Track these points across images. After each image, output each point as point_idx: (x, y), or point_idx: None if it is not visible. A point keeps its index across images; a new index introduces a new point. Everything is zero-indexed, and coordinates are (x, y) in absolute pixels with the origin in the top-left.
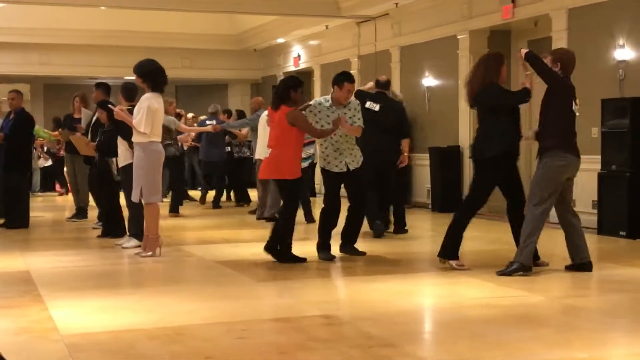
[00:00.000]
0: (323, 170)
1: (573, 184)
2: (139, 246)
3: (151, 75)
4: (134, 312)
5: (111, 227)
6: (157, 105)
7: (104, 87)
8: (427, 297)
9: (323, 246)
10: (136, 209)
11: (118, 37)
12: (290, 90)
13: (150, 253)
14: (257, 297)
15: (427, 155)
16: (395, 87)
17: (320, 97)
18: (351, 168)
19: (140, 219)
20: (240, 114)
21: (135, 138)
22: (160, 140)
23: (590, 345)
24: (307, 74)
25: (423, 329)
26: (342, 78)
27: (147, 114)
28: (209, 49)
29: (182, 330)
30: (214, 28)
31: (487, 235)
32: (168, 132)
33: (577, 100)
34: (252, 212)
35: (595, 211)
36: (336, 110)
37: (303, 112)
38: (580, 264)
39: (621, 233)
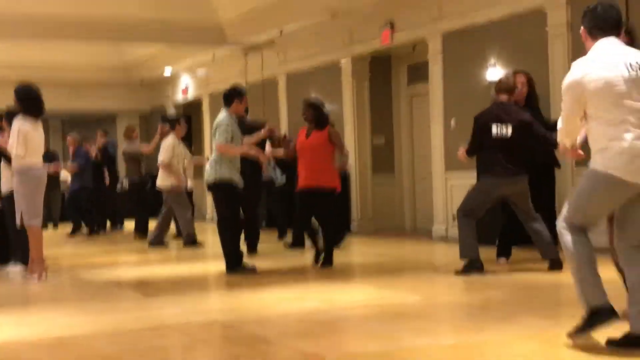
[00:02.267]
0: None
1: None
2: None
3: (23, 102)
4: (18, 326)
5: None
6: (28, 127)
7: None
8: (309, 301)
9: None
10: (20, 235)
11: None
12: None
13: (36, 276)
14: (143, 310)
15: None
16: (283, 114)
17: (222, 118)
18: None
19: (24, 244)
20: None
21: (13, 163)
22: (38, 164)
23: (458, 333)
24: (195, 104)
25: (303, 327)
26: (242, 91)
27: (19, 136)
28: (96, 81)
29: (66, 341)
30: (100, 59)
31: (373, 250)
32: (133, 160)
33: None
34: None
35: None
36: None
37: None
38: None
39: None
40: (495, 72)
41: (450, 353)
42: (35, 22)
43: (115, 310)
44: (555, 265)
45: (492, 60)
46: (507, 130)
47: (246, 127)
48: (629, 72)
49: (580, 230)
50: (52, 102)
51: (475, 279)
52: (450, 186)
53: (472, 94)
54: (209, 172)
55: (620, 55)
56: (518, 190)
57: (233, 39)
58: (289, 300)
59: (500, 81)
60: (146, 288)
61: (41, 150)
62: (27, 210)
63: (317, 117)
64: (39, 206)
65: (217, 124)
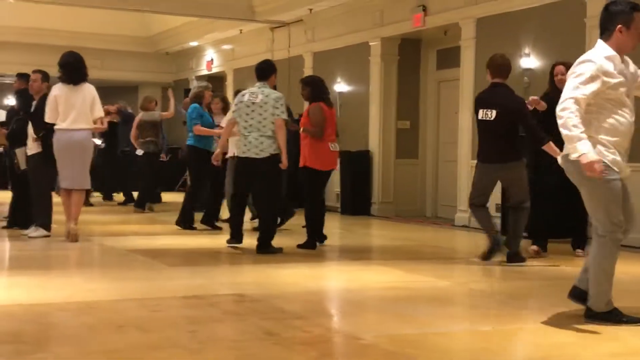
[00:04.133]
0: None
1: (510, 183)
2: (47, 236)
3: (60, 68)
4: (44, 289)
5: (17, 217)
6: (57, 92)
7: (24, 77)
8: (335, 280)
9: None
10: (43, 199)
11: (26, 35)
12: None
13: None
14: (169, 279)
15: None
16: None
17: (276, 93)
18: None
19: (47, 209)
20: None
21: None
22: (69, 128)
23: (492, 320)
24: (219, 78)
25: (332, 305)
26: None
27: (49, 101)
28: (120, 50)
29: (93, 305)
30: (126, 29)
31: (394, 234)
32: (152, 128)
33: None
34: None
35: (499, 214)
36: None
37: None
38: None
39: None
40: (528, 61)
41: (487, 339)
42: None
43: (140, 278)
44: (514, 259)
45: (527, 49)
46: (492, 115)
47: None
48: None
49: None
50: None
51: (507, 268)
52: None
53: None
54: (263, 146)
55: None
56: (508, 177)
57: (261, 15)
58: (315, 278)
59: (491, 60)
60: (169, 258)
61: (74, 115)
62: (59, 172)
63: (312, 94)
64: (62, 169)
65: (276, 98)
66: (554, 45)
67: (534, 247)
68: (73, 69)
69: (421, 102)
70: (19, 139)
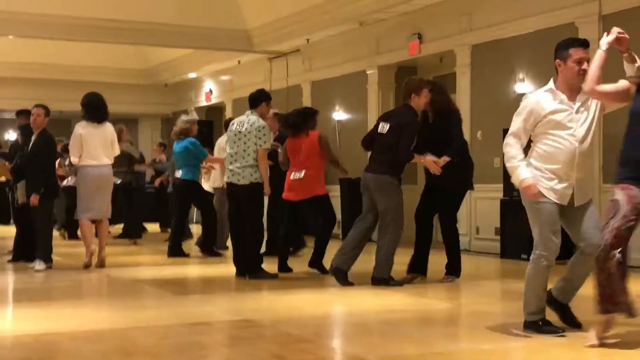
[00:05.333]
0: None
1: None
2: (50, 267)
3: (83, 107)
4: (53, 320)
5: (22, 251)
6: (81, 131)
7: (25, 113)
8: (338, 304)
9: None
10: (45, 232)
11: (26, 70)
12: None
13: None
14: (176, 307)
15: (338, 187)
16: None
17: (260, 121)
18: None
19: (49, 241)
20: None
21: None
22: (93, 164)
23: (493, 340)
24: (218, 109)
25: (336, 328)
26: (269, 94)
27: (73, 139)
28: (119, 83)
29: (102, 333)
30: (124, 62)
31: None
32: (127, 160)
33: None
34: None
35: (498, 237)
36: None
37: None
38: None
39: (523, 256)
40: (523, 86)
41: (487, 358)
42: (62, 24)
43: (146, 307)
44: (378, 282)
45: (521, 74)
46: (385, 128)
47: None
48: None
49: None
50: (75, 102)
51: (505, 288)
52: (475, 198)
53: (499, 106)
54: (245, 173)
55: None
56: (366, 186)
57: (259, 46)
58: (318, 303)
59: (404, 84)
60: (174, 287)
61: (100, 151)
62: (79, 205)
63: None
64: (89, 202)
65: (259, 127)
66: (548, 69)
67: None
68: (96, 108)
69: None
70: (23, 173)
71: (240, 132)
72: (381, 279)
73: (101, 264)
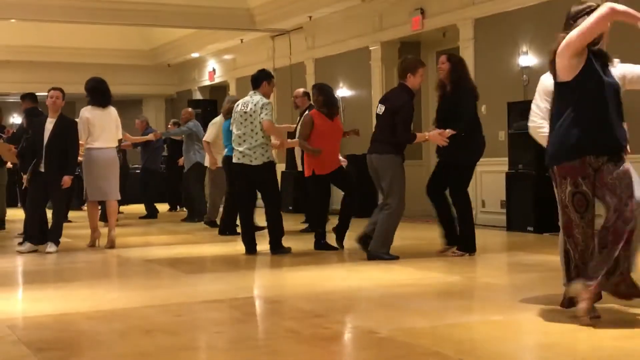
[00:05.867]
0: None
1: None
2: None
3: (88, 92)
4: (69, 301)
5: (32, 234)
6: (88, 115)
7: (30, 97)
8: (348, 280)
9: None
10: (61, 215)
11: (29, 53)
12: None
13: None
14: (189, 285)
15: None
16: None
17: (262, 99)
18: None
19: (62, 224)
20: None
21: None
22: (102, 147)
23: (503, 311)
24: (222, 88)
25: (348, 303)
26: (270, 73)
27: (81, 123)
28: (122, 64)
29: (118, 312)
30: (127, 43)
31: (403, 234)
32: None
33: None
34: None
35: (504, 210)
36: None
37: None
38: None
39: (529, 228)
40: (527, 59)
41: (499, 328)
42: (64, 7)
43: (159, 286)
44: (372, 257)
45: (524, 47)
46: (381, 110)
47: None
48: None
49: None
50: (78, 85)
51: (512, 260)
52: (480, 172)
53: (503, 80)
54: (257, 154)
55: None
56: (373, 168)
57: (262, 24)
58: (330, 278)
59: (400, 63)
60: (185, 266)
61: (106, 134)
62: (87, 187)
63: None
64: (96, 184)
65: (263, 104)
66: (551, 42)
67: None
68: (101, 93)
69: (423, 103)
70: (31, 157)
71: (245, 112)
72: (375, 254)
73: (111, 245)
